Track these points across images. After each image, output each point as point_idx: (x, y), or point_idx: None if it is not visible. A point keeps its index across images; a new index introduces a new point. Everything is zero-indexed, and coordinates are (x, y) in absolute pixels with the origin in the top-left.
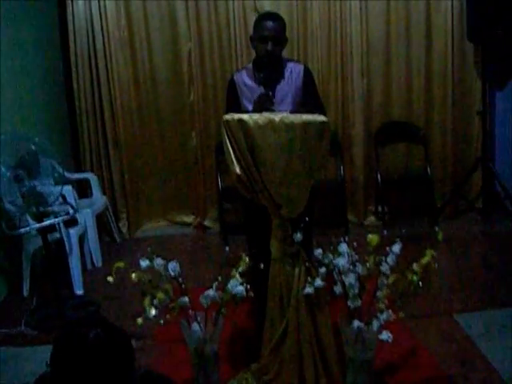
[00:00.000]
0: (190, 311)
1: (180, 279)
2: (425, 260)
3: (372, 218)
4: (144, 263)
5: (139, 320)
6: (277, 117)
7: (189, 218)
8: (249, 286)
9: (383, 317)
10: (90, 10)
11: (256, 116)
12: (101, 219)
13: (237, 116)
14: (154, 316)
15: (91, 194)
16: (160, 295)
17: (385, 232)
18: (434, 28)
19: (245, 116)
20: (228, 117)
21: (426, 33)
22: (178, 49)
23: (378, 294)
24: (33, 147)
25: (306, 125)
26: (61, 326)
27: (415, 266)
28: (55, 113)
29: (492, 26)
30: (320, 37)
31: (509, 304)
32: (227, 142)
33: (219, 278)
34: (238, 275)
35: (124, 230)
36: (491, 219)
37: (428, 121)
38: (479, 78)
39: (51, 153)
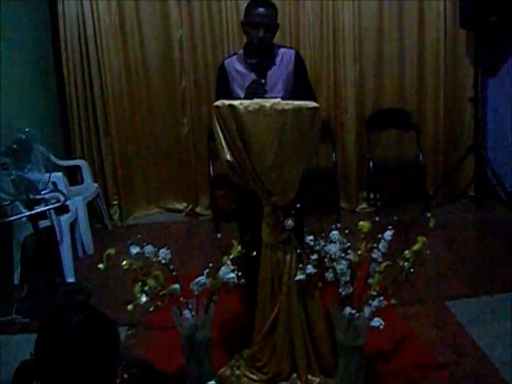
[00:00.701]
0: (182, 298)
1: (171, 266)
2: (416, 247)
3: (364, 205)
4: (134, 250)
5: (130, 306)
6: (268, 103)
7: (181, 205)
8: (240, 273)
9: (375, 303)
10: None
11: (247, 102)
12: (92, 206)
13: (227, 102)
14: (145, 303)
15: (82, 181)
16: (151, 282)
17: (377, 218)
18: (426, 14)
19: (235, 102)
20: (218, 103)
21: (418, 19)
22: (170, 35)
23: (370, 280)
24: (23, 136)
25: (297, 111)
26: (47, 313)
27: (407, 253)
28: (46, 100)
29: (485, 12)
30: (312, 22)
31: (500, 290)
32: (218, 128)
33: (210, 265)
34: (229, 262)
35: (115, 217)
36: (483, 206)
37: (420, 107)
38: (471, 65)
39: (42, 140)
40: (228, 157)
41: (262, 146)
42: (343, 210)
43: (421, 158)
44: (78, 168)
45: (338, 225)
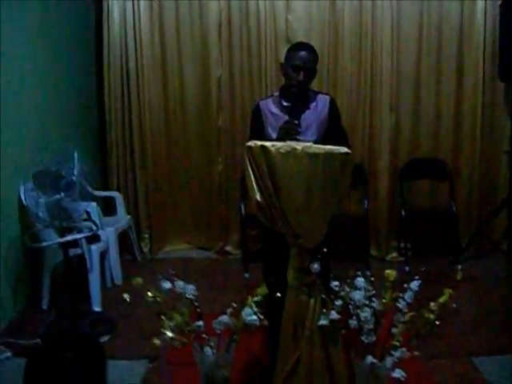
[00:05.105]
0: (204, 335)
1: (196, 303)
2: (442, 299)
3: (394, 254)
4: (166, 285)
5: (156, 341)
6: (299, 146)
7: (211, 243)
8: (263, 315)
9: (397, 354)
10: (125, 28)
11: (279, 144)
12: (123, 238)
13: (260, 143)
14: (170, 338)
15: (115, 213)
16: (177, 318)
17: (406, 268)
18: (465, 64)
19: (267, 143)
20: (251, 143)
21: (456, 68)
22: (209, 74)
23: (394, 330)
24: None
25: (329, 155)
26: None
27: (432, 305)
28: (87, 130)
29: None
30: (350, 68)
31: None
32: (249, 168)
33: (234, 304)
34: (253, 303)
35: (146, 249)
36: None
37: (455, 158)
38: (509, 118)
39: (79, 169)
40: (258, 197)
41: (291, 189)
42: (373, 257)
43: (454, 208)
44: (112, 199)
45: (367, 272)
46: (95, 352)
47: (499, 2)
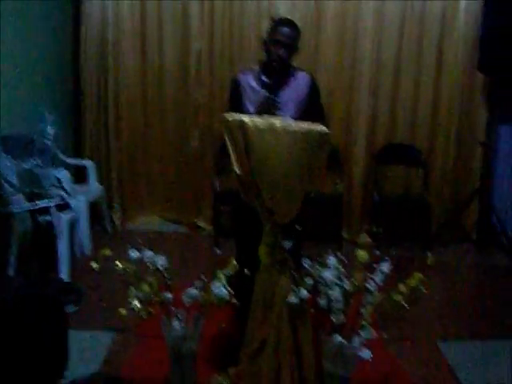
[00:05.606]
0: (172, 308)
1: (166, 274)
2: (412, 282)
3: (366, 237)
4: (134, 254)
5: (123, 311)
6: (278, 122)
7: (183, 217)
8: (233, 291)
9: (365, 334)
10: None
11: (257, 119)
12: (94, 208)
13: (238, 117)
14: (137, 309)
15: (87, 182)
16: (145, 287)
17: (377, 252)
18: (445, 54)
19: (246, 118)
20: (229, 117)
21: (436, 58)
22: (189, 46)
23: (362, 311)
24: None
25: (307, 133)
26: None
27: (401, 287)
28: (61, 96)
29: (504, 58)
30: (332, 51)
31: (492, 336)
32: (228, 141)
33: (204, 278)
34: (222, 277)
35: (117, 221)
36: (485, 251)
37: (431, 146)
38: (486, 110)
39: (51, 136)
40: (237, 170)
41: (267, 164)
42: (344, 240)
43: (426, 196)
44: (84, 168)
45: (338, 253)
46: (58, 318)
47: None
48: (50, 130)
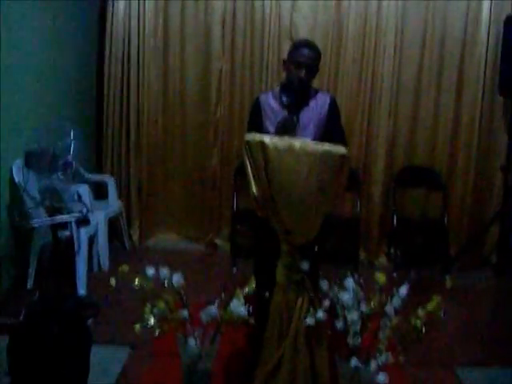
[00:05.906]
0: (189, 326)
1: (182, 292)
2: (430, 306)
3: (383, 259)
4: (150, 271)
5: (137, 326)
6: (297, 143)
7: (201, 235)
8: (251, 310)
9: (382, 358)
10: (129, 16)
11: (277, 139)
12: (113, 224)
13: (258, 137)
14: (152, 325)
15: (107, 197)
16: (160, 304)
17: (394, 274)
18: (465, 77)
19: (266, 138)
20: (249, 137)
21: (457, 80)
22: (210, 66)
23: (380, 334)
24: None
25: (326, 155)
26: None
27: (420, 311)
28: (83, 112)
29: None
30: (351, 71)
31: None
32: (246, 161)
33: (222, 296)
34: (241, 296)
35: (135, 237)
36: (504, 276)
37: (450, 169)
38: (506, 133)
39: (73, 151)
40: (254, 189)
41: (286, 185)
42: (361, 261)
43: (445, 219)
44: (104, 184)
45: (355, 275)
46: (80, 331)
47: (503, 17)
48: (73, 146)
